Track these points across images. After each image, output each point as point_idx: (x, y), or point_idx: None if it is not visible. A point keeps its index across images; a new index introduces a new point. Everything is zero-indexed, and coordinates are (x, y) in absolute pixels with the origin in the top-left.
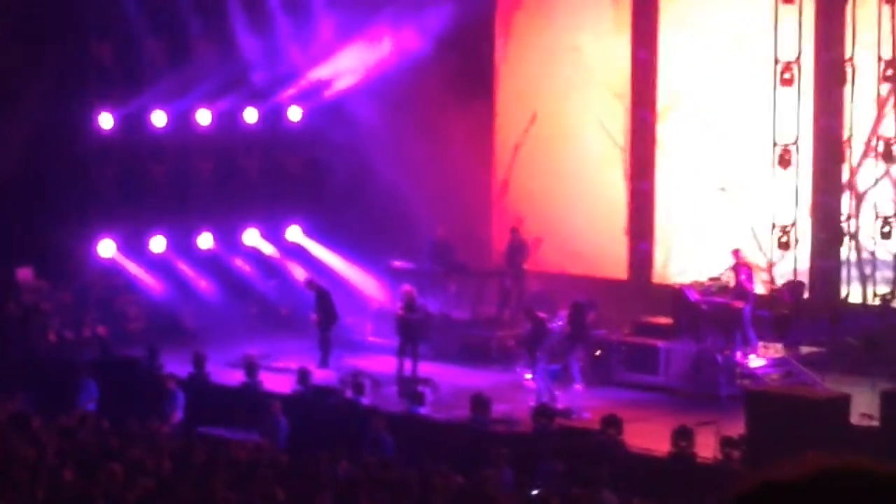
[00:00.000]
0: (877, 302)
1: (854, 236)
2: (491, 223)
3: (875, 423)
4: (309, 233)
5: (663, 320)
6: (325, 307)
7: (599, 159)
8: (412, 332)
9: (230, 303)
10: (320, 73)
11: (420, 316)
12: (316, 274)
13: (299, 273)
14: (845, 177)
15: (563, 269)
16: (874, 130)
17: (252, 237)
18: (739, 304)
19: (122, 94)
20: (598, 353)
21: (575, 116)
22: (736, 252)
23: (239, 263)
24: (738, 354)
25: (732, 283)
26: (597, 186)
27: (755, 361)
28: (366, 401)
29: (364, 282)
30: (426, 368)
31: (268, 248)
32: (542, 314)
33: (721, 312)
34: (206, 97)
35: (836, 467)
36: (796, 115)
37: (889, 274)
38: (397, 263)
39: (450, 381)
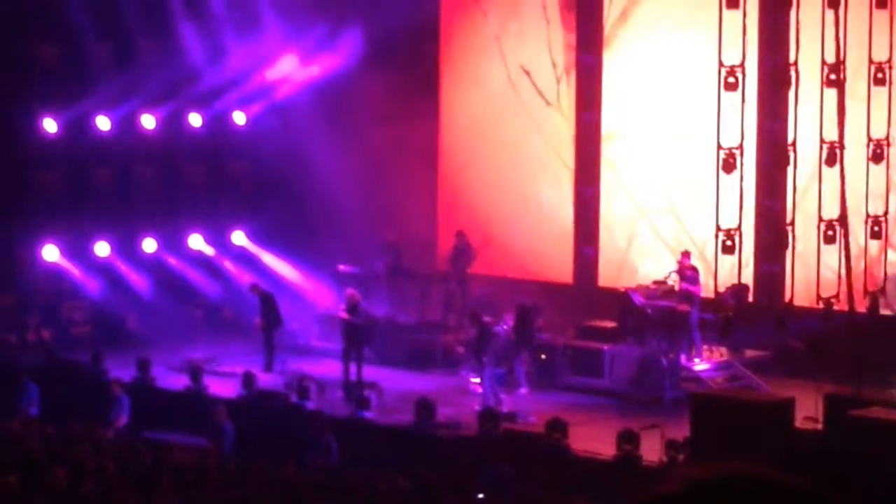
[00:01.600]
0: (820, 305)
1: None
2: (437, 227)
3: (819, 426)
4: (253, 237)
5: (608, 324)
6: (269, 311)
7: (544, 164)
8: (356, 335)
9: (174, 307)
10: (265, 77)
11: (364, 320)
12: (260, 278)
13: (244, 277)
14: (789, 180)
15: (508, 274)
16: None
17: (196, 241)
18: (685, 308)
19: (66, 97)
20: (543, 356)
21: (520, 121)
22: (682, 256)
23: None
24: (683, 358)
25: (678, 287)
26: (542, 191)
27: (700, 365)
28: (311, 405)
29: (309, 286)
30: (371, 372)
31: (211, 252)
32: (487, 318)
33: (666, 316)
34: (150, 101)
35: (731, 474)
36: (740, 119)
37: (833, 278)
38: (342, 267)
39: (395, 385)
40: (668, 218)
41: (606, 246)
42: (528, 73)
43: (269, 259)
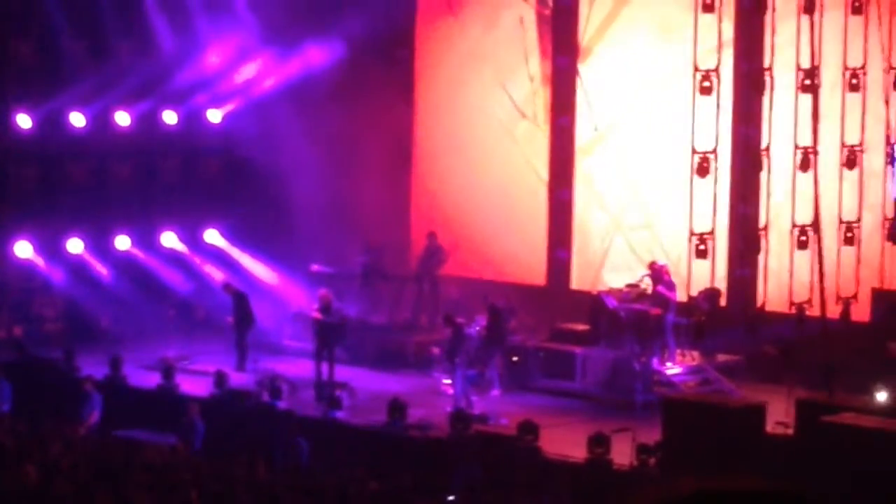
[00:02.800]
0: (793, 311)
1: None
2: (410, 229)
3: (790, 431)
4: (227, 235)
5: (581, 327)
6: (241, 310)
7: (518, 167)
8: (328, 336)
9: (147, 305)
10: (240, 76)
11: (336, 320)
12: (233, 277)
13: (217, 276)
14: (763, 185)
15: (481, 275)
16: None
17: (170, 239)
18: (657, 312)
19: (40, 94)
20: (515, 358)
21: (494, 123)
22: (654, 263)
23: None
24: (655, 362)
25: (650, 290)
26: (516, 193)
27: (672, 369)
28: (282, 405)
29: (282, 285)
30: (344, 373)
31: (185, 250)
32: (460, 320)
33: (639, 319)
34: (125, 98)
35: (704, 490)
36: (715, 123)
37: (805, 283)
38: (315, 267)
39: (367, 385)
40: (644, 232)
41: (581, 260)
42: (503, 86)
43: (243, 258)
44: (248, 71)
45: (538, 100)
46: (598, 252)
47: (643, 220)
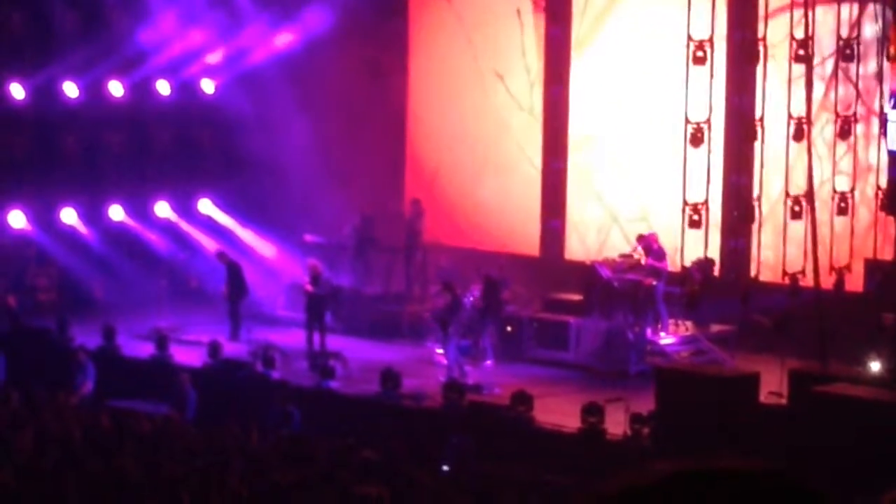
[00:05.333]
0: (786, 281)
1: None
2: (403, 199)
3: (783, 401)
4: (220, 205)
5: (574, 297)
6: (235, 280)
7: (513, 136)
8: (319, 306)
9: (141, 275)
10: (234, 46)
11: (325, 290)
12: (227, 247)
13: (210, 246)
14: (757, 155)
15: (475, 245)
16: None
17: (163, 209)
18: (651, 282)
19: (33, 64)
20: (509, 329)
21: (489, 92)
22: (641, 235)
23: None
24: (649, 332)
25: (644, 261)
26: (510, 163)
27: (665, 339)
28: (276, 374)
29: (275, 255)
30: (337, 343)
31: (178, 220)
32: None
33: (632, 289)
34: (118, 68)
35: (687, 471)
36: (709, 93)
37: (799, 253)
38: (309, 237)
39: (360, 355)
40: (636, 191)
41: (572, 218)
42: (500, 76)
43: (236, 228)
44: (241, 41)
45: (536, 92)
46: (594, 245)
47: (639, 213)
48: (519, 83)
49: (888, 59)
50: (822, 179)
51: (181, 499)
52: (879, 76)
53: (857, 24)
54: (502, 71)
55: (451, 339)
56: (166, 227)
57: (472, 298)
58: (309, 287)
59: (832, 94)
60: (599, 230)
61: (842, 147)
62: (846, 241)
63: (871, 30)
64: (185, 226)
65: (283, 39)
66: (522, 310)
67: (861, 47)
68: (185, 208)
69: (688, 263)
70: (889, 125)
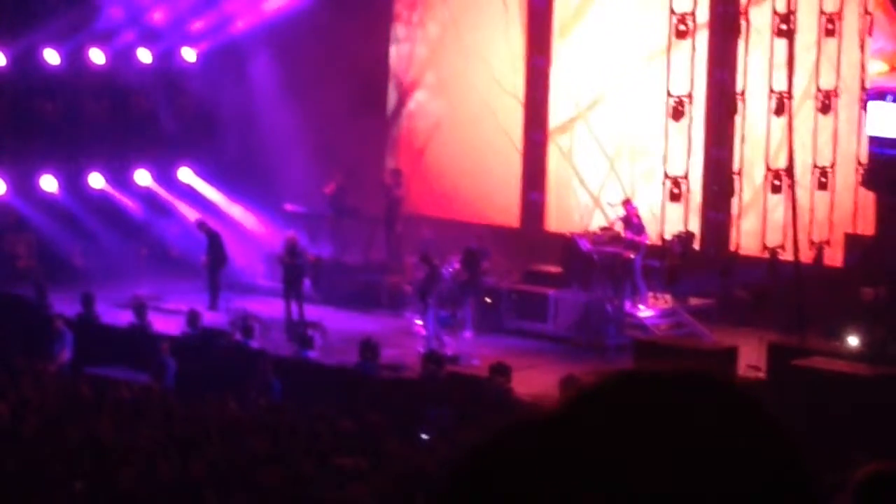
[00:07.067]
0: (766, 255)
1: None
2: (384, 169)
3: (761, 374)
4: (201, 174)
5: (554, 269)
6: (215, 249)
7: (494, 108)
8: (295, 276)
9: (120, 243)
10: (216, 15)
11: (302, 261)
12: (207, 215)
13: (190, 214)
14: (738, 130)
15: (454, 216)
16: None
17: (143, 177)
18: (630, 255)
19: (14, 31)
20: (488, 300)
21: (470, 63)
22: (627, 202)
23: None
24: (628, 304)
25: (623, 234)
26: (491, 137)
27: (644, 312)
28: (255, 344)
29: (255, 224)
30: (316, 313)
31: (159, 189)
32: (435, 261)
33: (612, 262)
34: (99, 36)
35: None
36: (690, 67)
37: (778, 227)
38: (289, 207)
39: (339, 325)
40: (616, 164)
41: (553, 191)
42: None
43: (216, 196)
44: (223, 9)
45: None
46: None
47: (622, 192)
48: (502, 64)
49: (870, 34)
50: (802, 154)
51: (160, 467)
52: (861, 51)
53: None
54: (486, 52)
55: (430, 310)
56: (146, 196)
57: (451, 269)
58: (283, 257)
59: (813, 70)
60: (582, 215)
61: (823, 122)
62: (826, 216)
63: (853, 4)
64: (164, 194)
65: (267, 7)
66: (501, 281)
67: (843, 23)
68: (166, 177)
69: (668, 237)
70: (869, 108)
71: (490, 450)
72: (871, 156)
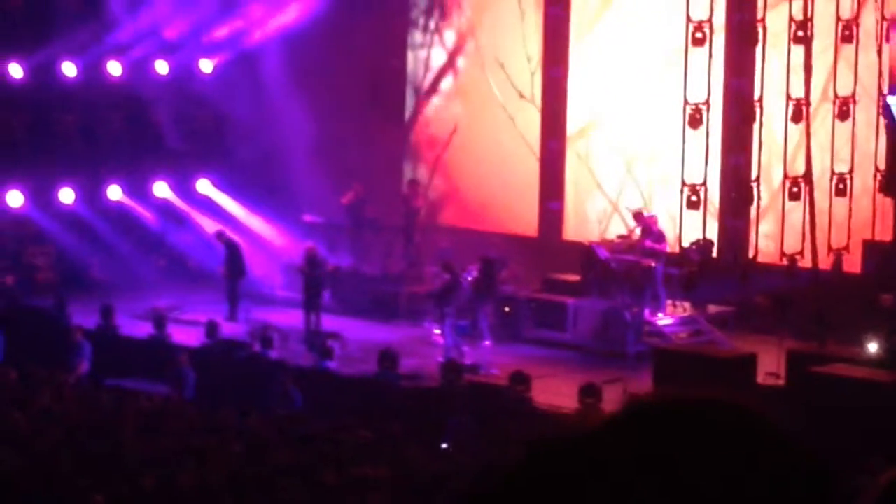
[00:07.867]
0: (785, 262)
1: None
2: (401, 178)
3: (780, 381)
4: (219, 185)
5: (572, 277)
6: (233, 260)
7: (513, 122)
8: (314, 287)
9: (139, 255)
10: (233, 26)
11: (321, 272)
12: (226, 226)
13: (209, 226)
14: (755, 137)
15: (473, 225)
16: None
17: (162, 189)
18: (649, 262)
19: (32, 43)
20: (506, 309)
21: (488, 70)
22: (638, 214)
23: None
24: (647, 312)
25: (644, 242)
26: (510, 146)
27: (663, 320)
28: (274, 354)
29: (274, 235)
30: (335, 323)
31: (177, 201)
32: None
33: (630, 270)
34: (116, 49)
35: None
36: (707, 75)
37: (797, 234)
38: (308, 217)
39: (358, 335)
40: (635, 172)
41: (571, 200)
42: (502, 65)
43: (234, 207)
44: (240, 21)
45: (536, 80)
46: (594, 231)
47: (640, 199)
48: (520, 70)
49: (887, 40)
50: (820, 161)
51: (180, 479)
52: (879, 57)
53: (856, 4)
54: (503, 59)
55: (448, 320)
56: (164, 207)
57: (470, 278)
58: (303, 268)
59: (831, 77)
60: (600, 220)
61: (841, 128)
62: (844, 223)
63: (870, 10)
64: (183, 206)
65: (282, 19)
66: (520, 290)
67: (860, 29)
68: (184, 188)
69: (686, 244)
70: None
71: (528, 472)
72: (890, 162)
